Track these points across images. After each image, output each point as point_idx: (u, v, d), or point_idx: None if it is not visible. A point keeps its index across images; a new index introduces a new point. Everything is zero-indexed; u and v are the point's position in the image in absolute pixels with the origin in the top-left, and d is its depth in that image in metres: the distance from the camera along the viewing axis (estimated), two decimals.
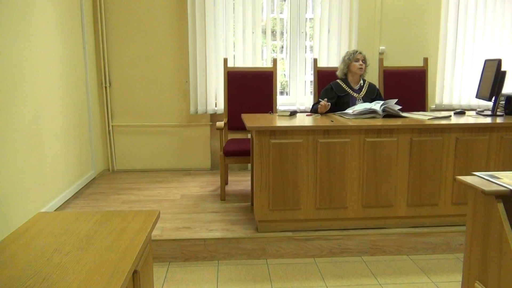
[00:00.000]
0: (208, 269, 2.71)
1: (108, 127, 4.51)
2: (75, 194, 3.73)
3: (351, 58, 3.47)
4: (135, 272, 1.47)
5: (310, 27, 4.60)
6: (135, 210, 1.84)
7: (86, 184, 4.01)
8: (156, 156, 4.60)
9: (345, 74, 3.55)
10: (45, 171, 3.19)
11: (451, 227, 2.99)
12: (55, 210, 3.28)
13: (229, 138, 3.97)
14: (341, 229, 2.95)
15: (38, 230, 1.63)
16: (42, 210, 3.10)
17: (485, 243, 1.69)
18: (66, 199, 3.54)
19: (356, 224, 2.97)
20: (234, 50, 4.42)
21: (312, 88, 4.20)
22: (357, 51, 3.49)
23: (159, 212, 1.83)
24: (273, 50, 4.64)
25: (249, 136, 4.04)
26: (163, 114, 4.54)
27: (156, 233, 2.86)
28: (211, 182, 4.14)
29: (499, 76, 3.14)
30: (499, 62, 3.12)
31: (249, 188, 3.86)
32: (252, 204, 3.24)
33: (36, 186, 3.05)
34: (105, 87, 4.43)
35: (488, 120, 3.04)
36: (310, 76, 4.52)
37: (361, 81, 3.55)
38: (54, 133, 3.37)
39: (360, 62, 3.45)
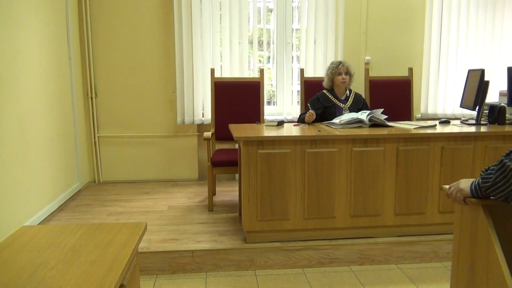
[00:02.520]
0: (196, 281, 2.68)
1: (94, 138, 4.46)
2: (60, 206, 3.67)
3: (333, 73, 3.49)
4: (121, 286, 1.45)
5: (296, 38, 4.63)
6: (121, 223, 1.81)
7: (71, 196, 3.95)
8: (143, 167, 4.56)
9: (331, 85, 3.57)
10: (30, 184, 3.14)
11: (438, 235, 3.01)
12: (39, 223, 3.22)
13: (216, 148, 3.96)
14: (330, 239, 2.95)
15: (21, 245, 1.59)
16: (26, 224, 3.04)
17: (472, 251, 1.69)
18: (50, 212, 3.48)
19: (344, 234, 2.97)
20: (221, 60, 4.42)
21: (299, 98, 4.22)
22: (339, 64, 3.48)
23: (146, 224, 1.81)
24: (260, 60, 4.66)
25: (236, 146, 4.03)
26: (150, 125, 4.51)
27: (143, 245, 2.82)
28: (199, 193, 4.11)
29: (483, 86, 3.19)
30: (482, 72, 3.18)
31: (237, 198, 3.84)
32: (240, 215, 3.22)
33: (20, 199, 2.99)
34: (91, 98, 4.39)
35: (472, 129, 3.08)
36: (297, 86, 4.54)
37: (347, 92, 3.58)
38: (39, 144, 3.31)
39: (343, 76, 3.46)
